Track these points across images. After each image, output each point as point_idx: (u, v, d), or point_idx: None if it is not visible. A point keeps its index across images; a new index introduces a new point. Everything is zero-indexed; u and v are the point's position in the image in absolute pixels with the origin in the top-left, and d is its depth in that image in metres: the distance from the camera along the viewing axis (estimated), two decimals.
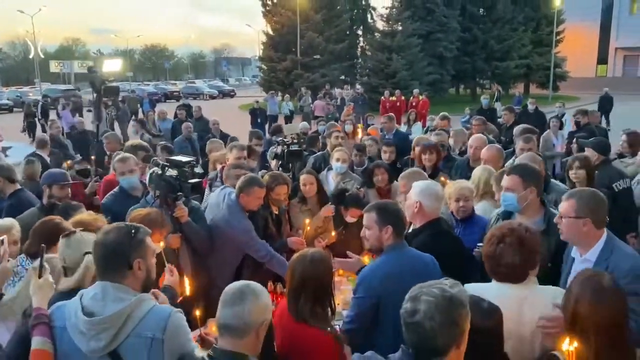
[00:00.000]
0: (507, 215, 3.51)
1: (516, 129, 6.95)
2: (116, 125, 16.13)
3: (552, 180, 4.49)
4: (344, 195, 4.81)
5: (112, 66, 6.72)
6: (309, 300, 2.61)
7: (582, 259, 2.87)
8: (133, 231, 2.24)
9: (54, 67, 63.83)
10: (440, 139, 6.71)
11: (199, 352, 2.22)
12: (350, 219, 4.67)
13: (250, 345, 2.11)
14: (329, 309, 2.72)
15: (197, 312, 2.68)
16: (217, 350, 2.11)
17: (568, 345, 1.93)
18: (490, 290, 2.56)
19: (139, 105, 23.22)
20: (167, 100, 41.15)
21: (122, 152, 5.95)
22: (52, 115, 20.95)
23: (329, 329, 2.61)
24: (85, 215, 3.49)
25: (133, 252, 2.19)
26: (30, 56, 57.98)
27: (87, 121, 14.35)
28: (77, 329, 2.06)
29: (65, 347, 2.11)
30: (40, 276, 2.25)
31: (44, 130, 20.49)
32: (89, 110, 17.59)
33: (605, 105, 20.50)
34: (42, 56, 57.50)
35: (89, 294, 2.13)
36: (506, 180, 3.45)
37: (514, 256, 2.52)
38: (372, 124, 12.77)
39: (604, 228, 2.91)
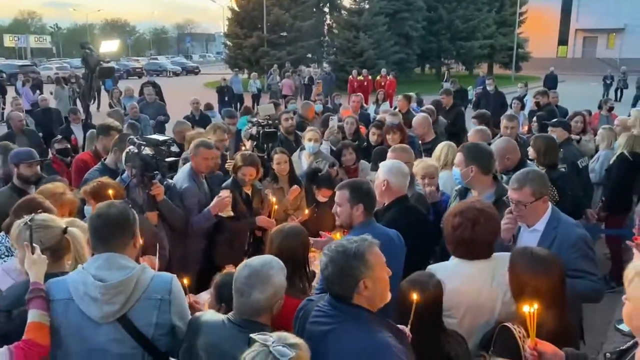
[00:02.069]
0: (464, 190, 3.77)
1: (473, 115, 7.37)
2: (78, 102, 15.78)
3: (528, 160, 4.69)
4: (317, 175, 4.95)
5: (109, 47, 6.61)
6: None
7: (530, 229, 3.11)
8: (130, 205, 2.40)
9: (9, 41, 61.23)
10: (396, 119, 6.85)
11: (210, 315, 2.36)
12: (321, 198, 4.80)
13: (266, 319, 2.24)
14: (306, 280, 2.88)
15: (185, 281, 2.79)
16: (237, 317, 2.23)
17: (529, 307, 2.10)
18: (457, 268, 2.73)
19: (101, 83, 22.60)
20: (130, 77, 40.14)
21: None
22: (10, 91, 20.19)
23: (306, 298, 2.77)
24: (48, 185, 3.59)
25: (134, 223, 2.36)
26: None
27: (50, 98, 13.99)
28: (88, 296, 2.16)
29: (71, 318, 2.18)
30: (32, 252, 2.32)
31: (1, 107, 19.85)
32: (51, 93, 17.09)
33: (550, 84, 21.21)
34: None
35: (92, 265, 2.23)
36: (456, 157, 3.74)
37: (484, 235, 2.69)
38: (340, 104, 12.87)
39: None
